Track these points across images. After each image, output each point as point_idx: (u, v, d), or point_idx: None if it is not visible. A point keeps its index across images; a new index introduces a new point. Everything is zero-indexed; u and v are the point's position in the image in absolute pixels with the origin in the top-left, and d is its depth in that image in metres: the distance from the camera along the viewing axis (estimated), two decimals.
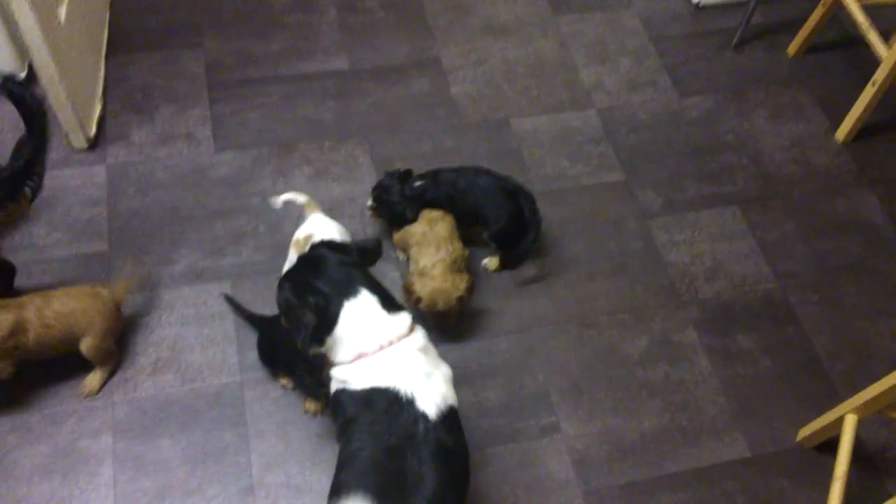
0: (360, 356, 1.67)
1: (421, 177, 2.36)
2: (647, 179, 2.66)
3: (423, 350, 1.70)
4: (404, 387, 1.62)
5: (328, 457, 2.03)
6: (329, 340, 1.68)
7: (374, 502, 1.51)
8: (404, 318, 1.71)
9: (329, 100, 2.73)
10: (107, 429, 2.03)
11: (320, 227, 2.12)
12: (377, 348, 1.66)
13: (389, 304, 1.71)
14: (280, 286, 1.73)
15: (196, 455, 2.02)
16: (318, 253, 1.76)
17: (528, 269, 2.42)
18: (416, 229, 2.27)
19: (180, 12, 2.90)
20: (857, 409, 1.94)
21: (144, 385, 2.11)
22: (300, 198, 2.20)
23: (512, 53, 2.94)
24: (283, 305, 1.71)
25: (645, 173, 2.67)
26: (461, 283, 2.18)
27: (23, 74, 2.54)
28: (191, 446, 2.03)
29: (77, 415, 2.05)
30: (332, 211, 2.42)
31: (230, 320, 2.23)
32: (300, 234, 2.13)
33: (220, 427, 2.06)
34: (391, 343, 1.66)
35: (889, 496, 2.09)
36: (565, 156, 2.68)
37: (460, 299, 2.17)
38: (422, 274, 2.18)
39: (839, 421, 1.99)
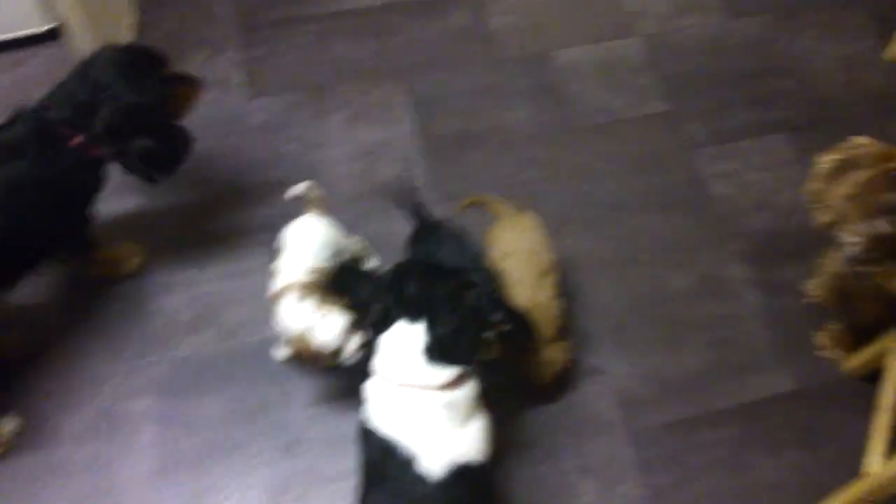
0: None
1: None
2: (693, 109, 2.56)
3: None
4: None
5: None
6: None
7: None
8: None
9: (363, 38, 2.67)
10: (149, 389, 2.05)
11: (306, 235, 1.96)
12: None
13: None
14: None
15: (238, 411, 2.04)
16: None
17: (569, 209, 2.37)
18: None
19: None
20: None
21: (184, 344, 2.12)
22: (300, 188, 2.03)
23: None
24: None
25: (691, 103, 2.57)
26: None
27: (48, 27, 2.51)
28: (232, 402, 2.04)
29: (119, 375, 2.07)
30: (370, 156, 2.40)
31: (262, 275, 2.22)
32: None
33: (260, 383, 2.06)
34: None
35: None
36: (607, 88, 2.60)
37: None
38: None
39: (886, 350, 1.93)
